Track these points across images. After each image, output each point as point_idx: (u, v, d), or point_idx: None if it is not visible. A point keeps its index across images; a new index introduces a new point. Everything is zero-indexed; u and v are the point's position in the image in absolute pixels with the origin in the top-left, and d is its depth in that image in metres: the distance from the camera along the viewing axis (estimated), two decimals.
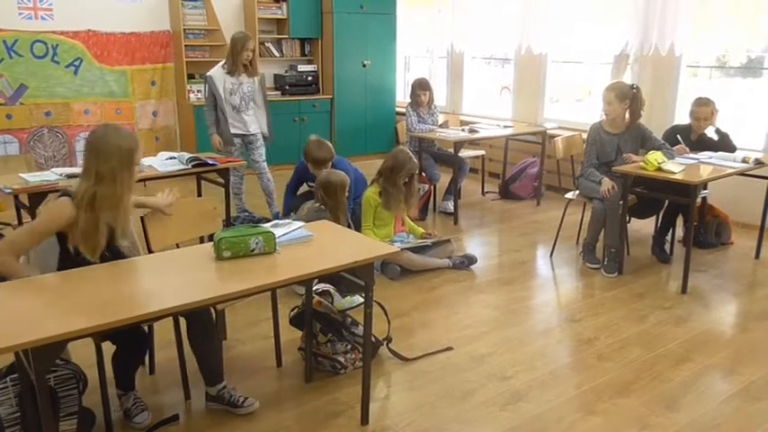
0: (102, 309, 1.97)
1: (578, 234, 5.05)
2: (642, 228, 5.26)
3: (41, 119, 6.62)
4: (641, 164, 4.18)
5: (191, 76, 7.26)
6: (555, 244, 4.85)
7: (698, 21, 5.53)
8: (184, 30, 7.07)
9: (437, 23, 8.01)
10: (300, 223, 2.74)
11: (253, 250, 2.43)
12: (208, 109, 5.20)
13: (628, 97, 4.43)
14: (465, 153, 6.51)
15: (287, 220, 2.82)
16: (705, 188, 4.80)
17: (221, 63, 5.23)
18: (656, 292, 4.17)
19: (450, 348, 3.35)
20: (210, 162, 4.15)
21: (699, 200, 4.89)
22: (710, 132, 4.76)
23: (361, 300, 3.01)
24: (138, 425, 2.67)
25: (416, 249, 4.45)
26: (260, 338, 3.42)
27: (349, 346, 3.06)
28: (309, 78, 7.95)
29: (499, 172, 6.87)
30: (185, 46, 7.11)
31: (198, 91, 7.22)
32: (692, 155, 4.54)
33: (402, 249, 4.31)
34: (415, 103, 5.98)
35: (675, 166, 4.12)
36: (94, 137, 2.48)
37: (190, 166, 4.06)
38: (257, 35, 7.42)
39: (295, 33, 7.83)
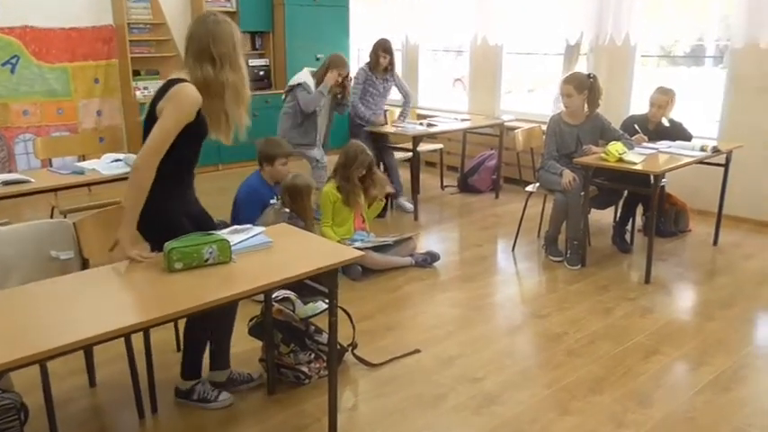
0: (40, 334, 1.79)
1: (539, 227, 5.01)
2: (601, 218, 5.26)
3: None
4: (602, 155, 4.15)
5: (136, 73, 6.95)
6: (516, 238, 4.80)
7: (650, 10, 5.56)
8: (128, 24, 6.76)
9: (391, 15, 7.87)
10: (260, 229, 2.59)
11: (207, 260, 2.26)
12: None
13: (586, 87, 4.39)
14: (423, 147, 6.41)
15: (247, 225, 2.66)
16: (663, 177, 4.81)
17: (309, 71, 5.31)
18: (620, 283, 4.15)
19: (417, 351, 3.25)
20: None
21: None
22: (664, 122, 4.78)
23: (325, 306, 2.89)
24: (226, 401, 2.76)
25: (378, 248, 4.33)
26: None
27: (313, 356, 2.92)
28: (261, 73, 7.74)
29: (457, 165, 6.80)
30: (130, 41, 6.79)
31: (144, 88, 6.92)
32: (650, 144, 4.55)
33: (363, 249, 4.20)
34: (374, 64, 5.72)
35: (636, 157, 4.11)
36: (207, 20, 2.41)
37: None
38: None
39: (245, 26, 7.57)
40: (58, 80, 6.62)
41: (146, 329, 2.47)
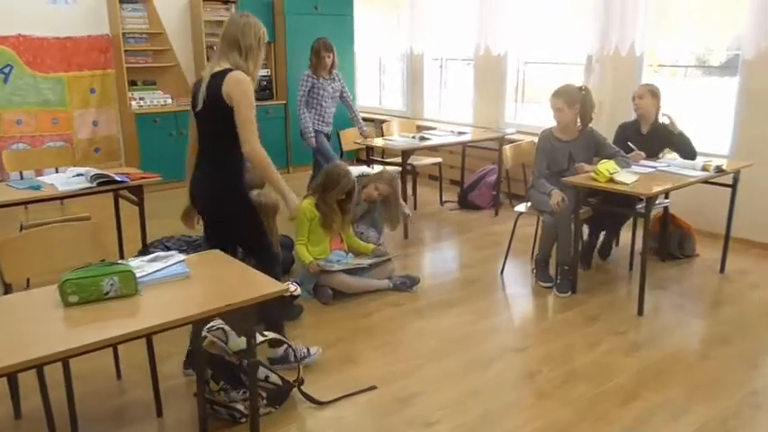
0: None
1: (532, 248, 4.69)
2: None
3: None
4: (592, 174, 3.83)
5: (133, 83, 6.85)
6: (505, 260, 4.50)
7: (659, 20, 5.24)
8: (124, 34, 6.65)
9: (395, 25, 7.66)
10: (181, 257, 2.37)
11: (107, 293, 2.05)
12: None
13: (577, 101, 4.08)
14: (421, 161, 6.17)
15: (170, 252, 2.45)
16: (666, 197, 4.47)
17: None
18: (612, 313, 3.82)
19: (373, 387, 2.98)
20: (119, 179, 3.74)
21: (660, 210, 4.57)
22: (662, 118, 4.41)
23: (262, 338, 2.66)
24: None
25: (352, 270, 4.08)
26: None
27: (248, 393, 2.67)
28: (262, 83, 7.57)
29: (459, 179, 6.51)
30: (125, 51, 6.68)
31: (140, 99, 6.81)
32: (649, 162, 4.21)
33: (335, 271, 3.97)
34: (320, 66, 5.55)
35: (629, 177, 3.78)
36: (236, 17, 2.87)
37: (95, 185, 3.66)
38: (204, 38, 7.04)
39: None
40: (52, 90, 6.55)
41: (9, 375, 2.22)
